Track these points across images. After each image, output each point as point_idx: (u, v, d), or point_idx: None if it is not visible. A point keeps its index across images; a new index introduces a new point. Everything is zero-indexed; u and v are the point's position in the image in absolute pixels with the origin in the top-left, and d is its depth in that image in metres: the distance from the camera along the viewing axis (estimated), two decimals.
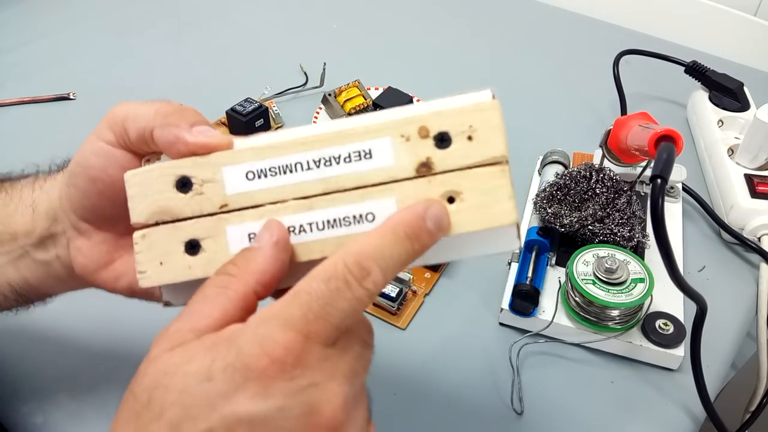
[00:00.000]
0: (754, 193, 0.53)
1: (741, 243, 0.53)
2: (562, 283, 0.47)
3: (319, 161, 0.26)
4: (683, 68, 0.67)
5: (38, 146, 0.63)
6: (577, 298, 0.45)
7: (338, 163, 0.26)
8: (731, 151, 0.58)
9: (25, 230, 0.33)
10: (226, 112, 0.64)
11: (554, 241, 0.50)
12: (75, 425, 0.41)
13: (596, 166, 0.51)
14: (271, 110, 0.66)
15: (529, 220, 0.52)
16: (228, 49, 0.78)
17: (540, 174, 0.58)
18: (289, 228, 0.26)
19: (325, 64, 0.70)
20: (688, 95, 0.68)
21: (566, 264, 0.45)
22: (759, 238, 0.52)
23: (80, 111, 0.68)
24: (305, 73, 0.72)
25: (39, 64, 0.75)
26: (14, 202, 0.33)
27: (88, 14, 0.84)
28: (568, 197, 0.50)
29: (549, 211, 0.49)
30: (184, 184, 0.27)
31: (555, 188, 0.50)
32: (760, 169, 0.56)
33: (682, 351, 0.44)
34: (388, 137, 0.25)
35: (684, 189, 0.57)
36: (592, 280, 0.44)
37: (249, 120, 0.63)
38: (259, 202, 0.26)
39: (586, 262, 0.45)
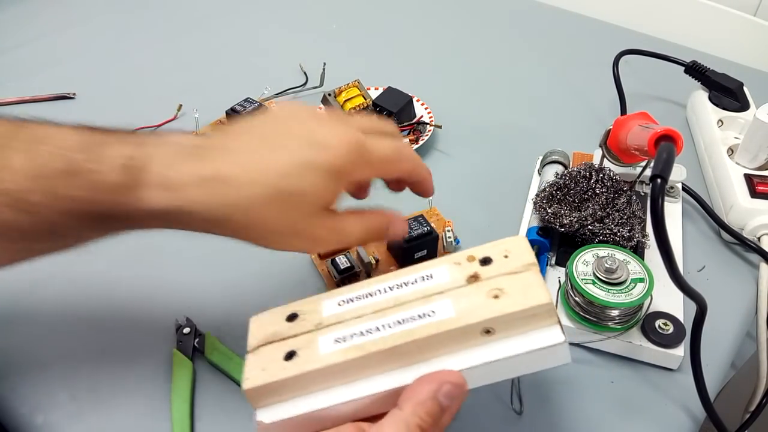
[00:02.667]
0: (754, 193, 0.53)
1: (741, 243, 0.53)
2: (561, 283, 0.47)
3: (393, 286, 0.34)
4: (683, 68, 0.67)
5: None
6: (576, 298, 0.45)
7: (408, 285, 0.33)
8: (731, 151, 0.58)
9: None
10: (226, 112, 0.64)
11: (554, 241, 0.50)
12: (75, 426, 0.41)
13: (596, 166, 0.51)
14: None
15: (529, 220, 0.53)
16: (228, 49, 0.78)
17: (540, 174, 0.58)
18: (366, 330, 0.32)
19: (324, 64, 0.70)
20: (688, 95, 0.68)
21: (566, 264, 0.45)
22: (759, 238, 0.52)
23: (81, 110, 0.68)
24: (305, 73, 0.72)
25: (39, 63, 0.75)
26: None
27: (88, 14, 0.84)
28: (567, 197, 0.50)
29: (549, 211, 0.49)
30: (291, 318, 0.34)
31: (555, 188, 0.50)
32: (759, 169, 0.56)
33: (681, 351, 0.44)
34: (444, 265, 0.34)
35: (684, 189, 0.57)
36: (592, 280, 0.44)
37: None
38: (345, 318, 0.33)
39: (585, 262, 0.45)
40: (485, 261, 0.33)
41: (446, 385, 0.30)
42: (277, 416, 0.32)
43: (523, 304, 0.30)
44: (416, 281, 0.33)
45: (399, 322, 0.32)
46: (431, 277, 0.33)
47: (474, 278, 0.32)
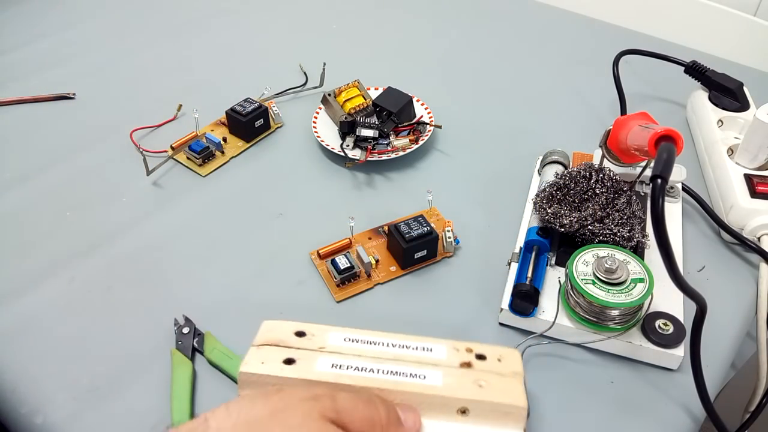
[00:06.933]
0: (754, 193, 0.53)
1: (741, 243, 0.53)
2: (561, 283, 0.47)
3: (396, 344, 0.37)
4: (683, 68, 0.67)
5: (39, 145, 0.63)
6: (577, 299, 0.45)
7: (408, 349, 0.37)
8: (731, 151, 0.58)
9: None
10: (226, 112, 0.64)
11: (554, 241, 0.50)
12: (74, 426, 0.41)
13: (596, 166, 0.51)
14: (270, 110, 0.66)
15: (529, 220, 0.53)
16: (228, 49, 0.78)
17: (540, 174, 0.58)
18: (362, 367, 0.35)
19: (324, 64, 0.70)
20: (688, 95, 0.68)
21: (566, 264, 0.45)
22: (759, 238, 0.52)
23: (81, 110, 0.68)
24: (305, 73, 0.72)
25: (39, 63, 0.75)
26: None
27: (88, 14, 0.84)
28: (567, 197, 0.50)
29: (549, 211, 0.49)
30: (300, 334, 0.37)
31: (555, 188, 0.50)
32: (759, 169, 0.56)
33: (681, 351, 0.44)
34: (444, 345, 0.38)
35: (684, 189, 0.57)
36: (592, 280, 0.44)
37: (249, 120, 0.63)
38: (346, 352, 0.37)
39: (585, 262, 0.45)
40: (480, 357, 0.37)
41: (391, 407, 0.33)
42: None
43: (501, 398, 0.34)
44: (417, 348, 0.37)
45: (392, 373, 0.35)
46: (431, 350, 0.37)
47: (467, 365, 0.36)
